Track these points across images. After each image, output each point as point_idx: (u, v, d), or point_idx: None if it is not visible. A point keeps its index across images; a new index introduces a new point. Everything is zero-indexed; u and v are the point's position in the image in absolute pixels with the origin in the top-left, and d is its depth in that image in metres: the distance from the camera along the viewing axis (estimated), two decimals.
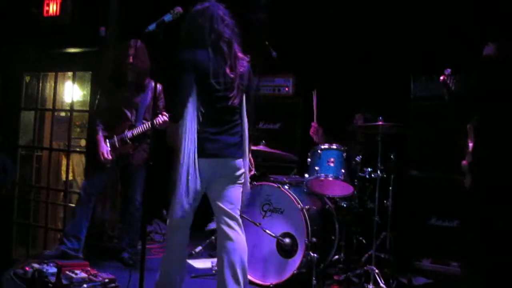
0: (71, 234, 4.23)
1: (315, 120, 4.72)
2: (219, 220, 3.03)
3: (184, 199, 2.87)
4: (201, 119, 2.89)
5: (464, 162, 3.43)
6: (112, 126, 4.29)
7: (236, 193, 3.07)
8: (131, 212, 4.33)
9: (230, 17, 3.04)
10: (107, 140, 4.25)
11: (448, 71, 3.25)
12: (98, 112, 4.40)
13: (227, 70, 2.93)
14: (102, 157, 4.16)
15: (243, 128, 3.09)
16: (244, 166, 3.09)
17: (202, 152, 2.88)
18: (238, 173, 3.05)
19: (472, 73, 3.38)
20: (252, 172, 3.33)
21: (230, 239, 2.98)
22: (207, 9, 2.99)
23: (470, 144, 3.33)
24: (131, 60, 4.22)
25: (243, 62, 3.03)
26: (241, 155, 3.06)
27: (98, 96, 4.46)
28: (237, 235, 3.01)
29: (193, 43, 2.96)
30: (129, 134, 4.22)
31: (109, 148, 4.22)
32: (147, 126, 4.16)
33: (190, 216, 3.01)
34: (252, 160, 3.33)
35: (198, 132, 2.87)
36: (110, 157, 4.18)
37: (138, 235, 4.35)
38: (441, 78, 3.29)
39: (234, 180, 3.05)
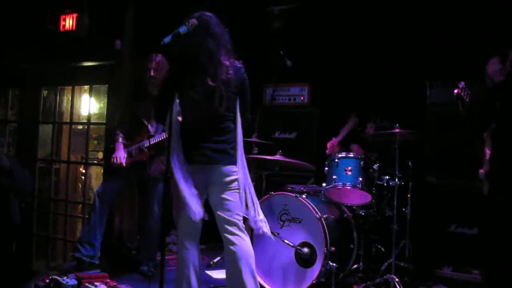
0: (84, 240, 4.28)
1: (338, 138, 4.67)
2: (220, 228, 3.06)
3: (189, 203, 2.92)
4: (186, 128, 2.95)
5: (481, 170, 3.40)
6: (132, 137, 4.38)
7: (232, 200, 3.05)
8: (150, 225, 4.35)
9: (218, 26, 3.04)
10: (125, 149, 4.33)
11: (462, 84, 3.24)
12: (119, 124, 4.48)
13: (208, 80, 2.95)
14: (115, 161, 4.24)
15: (236, 134, 3.09)
16: (238, 173, 3.07)
17: (189, 159, 2.95)
18: (229, 179, 3.04)
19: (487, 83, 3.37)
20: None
21: (233, 244, 2.99)
22: (195, 21, 2.97)
23: (488, 152, 3.30)
24: (152, 73, 4.33)
25: (229, 69, 3.01)
26: (232, 162, 3.06)
27: (120, 109, 4.56)
28: (240, 240, 3.01)
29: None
30: (145, 143, 4.29)
31: (125, 155, 4.30)
32: (165, 136, 4.20)
33: (197, 225, 3.05)
34: None
35: (184, 141, 2.92)
36: (124, 161, 4.26)
37: (157, 247, 4.35)
38: (455, 91, 3.27)
39: (226, 186, 3.04)
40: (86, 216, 5.90)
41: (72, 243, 6.08)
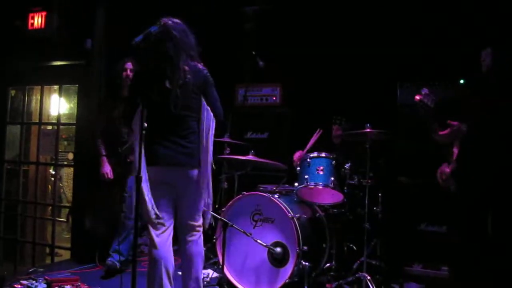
0: (112, 249, 4.45)
1: (304, 151, 4.69)
2: (180, 229, 3.22)
3: (148, 204, 3.01)
4: (147, 130, 2.95)
5: (445, 168, 3.46)
6: (111, 142, 4.52)
7: (191, 203, 3.19)
8: (123, 222, 4.46)
9: (182, 31, 3.10)
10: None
11: (425, 90, 3.26)
12: (98, 132, 4.61)
13: (166, 83, 3.04)
14: (104, 177, 4.53)
15: (200, 136, 3.15)
16: (200, 175, 3.16)
17: (149, 161, 2.99)
18: (188, 182, 3.13)
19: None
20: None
21: (189, 243, 3.21)
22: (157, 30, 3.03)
23: (455, 151, 3.36)
24: (127, 73, 4.47)
25: (187, 73, 3.08)
26: (193, 164, 3.13)
27: (96, 115, 4.73)
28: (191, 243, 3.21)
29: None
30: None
31: (110, 168, 4.56)
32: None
33: (166, 226, 3.14)
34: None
35: (145, 143, 2.93)
36: (111, 175, 4.53)
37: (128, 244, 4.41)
38: (417, 97, 3.27)
39: (186, 189, 3.14)
40: (57, 219, 5.85)
41: (41, 246, 5.99)
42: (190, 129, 3.13)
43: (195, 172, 3.15)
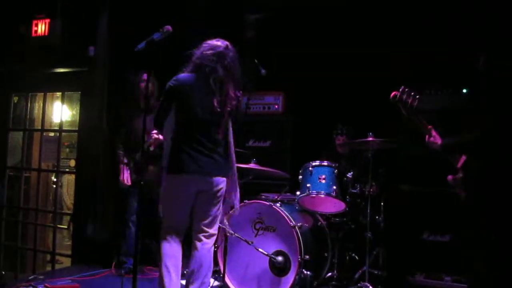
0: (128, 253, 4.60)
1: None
2: (194, 236, 3.26)
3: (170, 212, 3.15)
4: (182, 139, 3.12)
5: (449, 177, 3.43)
6: (130, 152, 4.61)
7: (213, 210, 3.26)
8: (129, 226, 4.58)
9: (234, 59, 3.26)
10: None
11: (402, 87, 3.20)
12: (120, 143, 4.71)
13: (215, 103, 3.14)
14: (124, 185, 4.60)
15: (229, 148, 3.27)
16: (228, 185, 3.30)
17: (181, 169, 3.10)
18: (215, 189, 3.21)
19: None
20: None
21: (196, 249, 3.24)
22: (217, 47, 3.20)
23: (462, 158, 3.32)
24: (143, 86, 4.54)
25: (232, 101, 3.23)
26: (223, 174, 3.25)
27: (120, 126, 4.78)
28: (203, 246, 3.25)
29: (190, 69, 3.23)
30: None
31: (128, 175, 4.64)
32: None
33: (180, 230, 3.21)
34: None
35: (179, 151, 3.09)
36: (130, 183, 4.60)
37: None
38: (392, 94, 3.21)
39: (212, 197, 3.21)
40: (58, 226, 5.84)
41: (42, 253, 5.97)
42: (220, 141, 3.26)
43: (221, 180, 3.24)
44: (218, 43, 3.23)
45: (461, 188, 3.34)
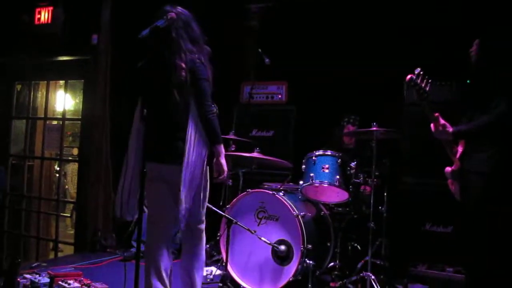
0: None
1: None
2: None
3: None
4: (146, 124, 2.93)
5: (447, 169, 3.42)
6: None
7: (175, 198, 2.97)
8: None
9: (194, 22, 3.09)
10: None
11: (418, 70, 3.14)
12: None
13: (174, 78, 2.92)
14: None
15: (188, 133, 2.93)
16: (182, 172, 2.90)
17: (146, 155, 2.89)
18: (172, 178, 2.93)
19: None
20: (222, 177, 3.20)
21: None
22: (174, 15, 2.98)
23: (459, 150, 3.32)
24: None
25: (181, 71, 2.92)
26: (175, 160, 2.93)
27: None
28: None
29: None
30: None
31: None
32: None
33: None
34: (222, 165, 3.08)
35: (143, 136, 2.95)
36: None
37: None
38: (408, 77, 3.09)
39: (170, 185, 2.98)
40: (61, 214, 5.86)
41: (45, 241, 5.99)
42: (177, 126, 2.97)
43: (174, 168, 2.94)
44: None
45: (457, 180, 3.34)
